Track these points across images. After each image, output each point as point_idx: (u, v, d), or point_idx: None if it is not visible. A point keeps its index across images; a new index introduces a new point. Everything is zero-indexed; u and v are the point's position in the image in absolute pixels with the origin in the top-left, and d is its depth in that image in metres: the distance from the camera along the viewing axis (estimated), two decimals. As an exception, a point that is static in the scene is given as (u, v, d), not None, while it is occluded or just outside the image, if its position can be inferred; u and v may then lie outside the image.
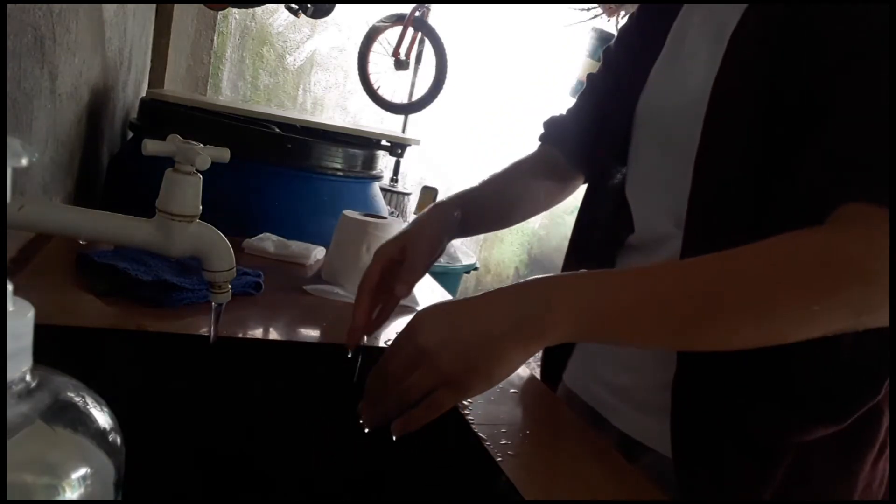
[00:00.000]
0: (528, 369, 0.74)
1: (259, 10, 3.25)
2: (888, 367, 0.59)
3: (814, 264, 0.47)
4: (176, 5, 2.17)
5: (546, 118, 0.88)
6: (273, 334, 0.85)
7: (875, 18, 0.52)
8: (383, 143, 1.71)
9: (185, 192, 0.60)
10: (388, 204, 3.04)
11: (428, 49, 3.17)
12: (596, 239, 0.78)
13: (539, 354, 0.65)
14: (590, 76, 0.85)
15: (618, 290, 0.49)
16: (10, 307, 0.24)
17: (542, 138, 0.88)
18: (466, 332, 0.49)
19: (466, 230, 0.79)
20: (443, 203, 0.76)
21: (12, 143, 0.24)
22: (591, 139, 0.80)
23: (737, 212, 0.60)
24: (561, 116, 0.87)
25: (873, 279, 0.45)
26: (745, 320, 0.48)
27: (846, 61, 0.52)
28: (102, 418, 0.27)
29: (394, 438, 0.52)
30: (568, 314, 0.48)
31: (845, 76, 0.52)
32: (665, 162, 0.69)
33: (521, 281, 0.51)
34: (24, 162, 0.25)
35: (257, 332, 0.83)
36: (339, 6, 2.79)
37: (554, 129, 0.87)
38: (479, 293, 0.53)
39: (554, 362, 0.85)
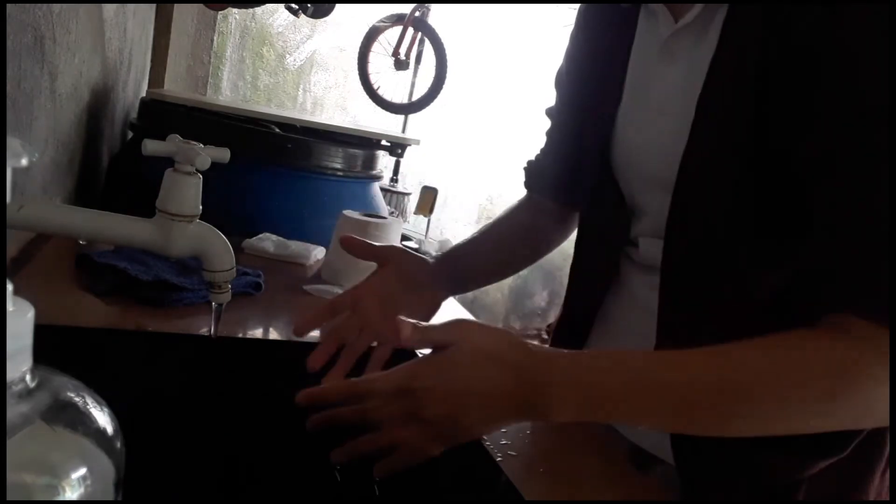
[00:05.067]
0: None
1: (259, 10, 3.25)
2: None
3: (824, 390, 0.48)
4: (176, 5, 2.16)
5: (525, 163, 0.86)
6: (273, 334, 0.85)
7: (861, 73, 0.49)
8: (383, 143, 1.71)
9: (185, 192, 0.60)
10: (388, 204, 3.04)
11: (428, 49, 3.17)
12: (599, 241, 0.77)
13: None
14: (549, 111, 0.83)
15: (621, 385, 0.51)
16: (10, 307, 0.24)
17: (526, 186, 0.86)
18: (468, 418, 0.51)
19: (465, 285, 0.77)
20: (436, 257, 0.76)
21: (12, 143, 0.24)
22: (573, 179, 0.78)
23: (715, 259, 0.60)
24: (538, 161, 0.85)
25: (877, 404, 0.47)
26: (741, 422, 0.51)
27: (838, 132, 0.50)
28: (102, 418, 0.27)
29: (376, 479, 0.56)
30: (568, 402, 0.50)
31: (838, 151, 0.50)
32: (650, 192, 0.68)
33: (526, 350, 0.52)
34: (24, 162, 0.25)
35: (257, 332, 0.83)
36: (339, 6, 2.78)
37: (535, 176, 0.85)
38: (475, 358, 0.53)
39: None
